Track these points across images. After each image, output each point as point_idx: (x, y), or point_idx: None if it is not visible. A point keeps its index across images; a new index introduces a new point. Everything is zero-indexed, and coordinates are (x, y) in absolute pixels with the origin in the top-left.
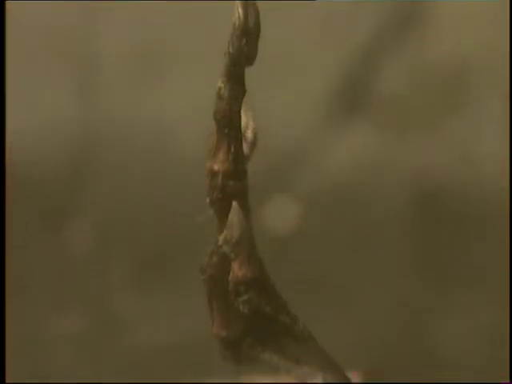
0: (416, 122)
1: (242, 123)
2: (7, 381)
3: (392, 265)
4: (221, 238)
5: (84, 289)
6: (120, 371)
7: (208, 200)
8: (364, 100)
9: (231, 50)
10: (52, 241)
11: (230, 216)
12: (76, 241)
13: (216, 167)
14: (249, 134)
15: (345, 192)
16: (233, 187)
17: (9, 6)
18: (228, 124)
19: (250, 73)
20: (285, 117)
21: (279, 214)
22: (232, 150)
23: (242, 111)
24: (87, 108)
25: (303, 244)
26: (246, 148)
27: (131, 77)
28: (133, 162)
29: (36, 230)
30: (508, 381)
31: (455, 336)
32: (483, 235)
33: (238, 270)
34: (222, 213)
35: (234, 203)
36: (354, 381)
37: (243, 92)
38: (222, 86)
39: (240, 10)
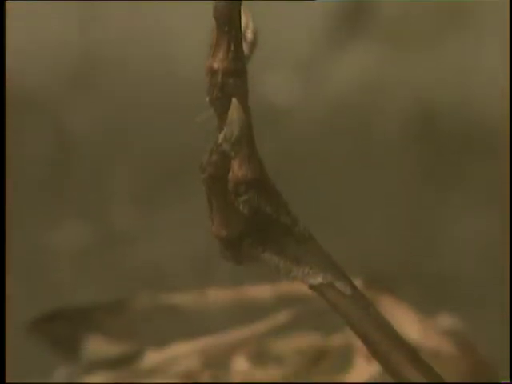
0: (417, 41)
1: (242, 23)
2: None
3: (393, 180)
4: (220, 136)
5: (85, 203)
6: (121, 285)
7: (208, 99)
8: (365, 20)
9: None
10: (53, 157)
11: (230, 113)
12: (77, 157)
13: (216, 65)
14: (249, 34)
15: (346, 111)
16: (232, 85)
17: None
18: (228, 22)
19: None
20: (284, 36)
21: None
22: (232, 48)
23: (242, 11)
24: (87, 23)
25: (304, 165)
26: (245, 48)
27: None
28: (133, 76)
29: (35, 147)
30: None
31: (456, 250)
32: (483, 153)
33: (237, 170)
34: (222, 111)
35: (234, 100)
36: None
37: None
38: None
39: None
